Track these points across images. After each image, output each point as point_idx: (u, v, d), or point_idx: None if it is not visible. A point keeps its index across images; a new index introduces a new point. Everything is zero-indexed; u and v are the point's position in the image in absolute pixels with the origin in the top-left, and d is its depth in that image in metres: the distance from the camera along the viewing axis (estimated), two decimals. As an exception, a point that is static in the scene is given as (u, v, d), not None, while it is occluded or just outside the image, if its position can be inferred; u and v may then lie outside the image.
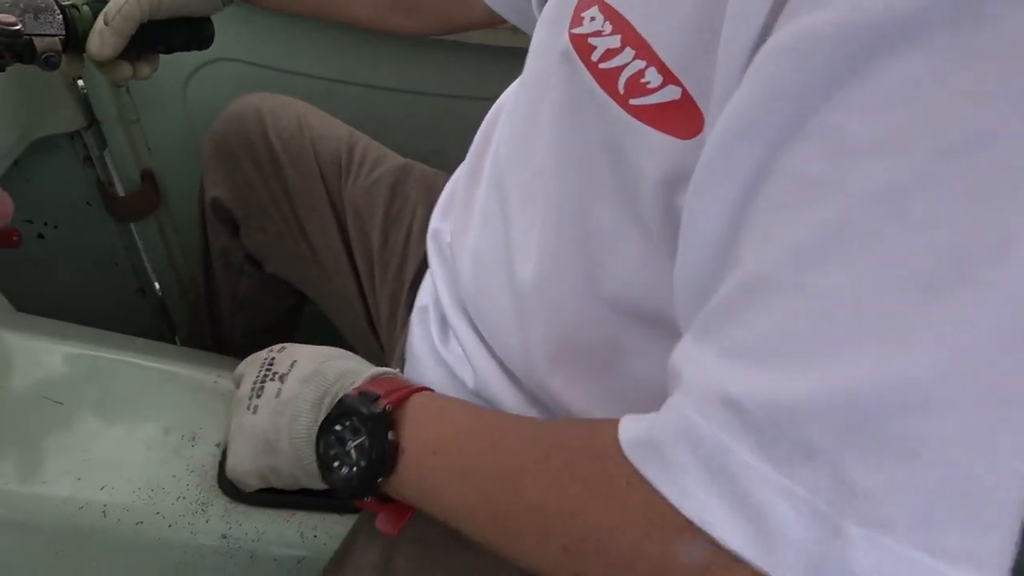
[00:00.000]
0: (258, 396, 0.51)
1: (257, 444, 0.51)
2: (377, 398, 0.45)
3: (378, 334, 0.79)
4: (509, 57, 1.03)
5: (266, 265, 0.92)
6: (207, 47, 0.78)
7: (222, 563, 0.67)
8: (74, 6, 0.66)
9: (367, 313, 0.80)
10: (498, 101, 0.62)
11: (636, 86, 0.38)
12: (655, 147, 0.37)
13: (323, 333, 1.19)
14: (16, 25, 0.61)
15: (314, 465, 0.48)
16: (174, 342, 1.33)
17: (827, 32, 0.28)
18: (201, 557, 0.66)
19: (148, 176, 1.11)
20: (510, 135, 0.53)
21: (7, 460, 0.65)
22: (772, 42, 0.30)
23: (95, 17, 0.67)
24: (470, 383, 0.56)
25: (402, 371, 0.65)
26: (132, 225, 1.17)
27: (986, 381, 0.26)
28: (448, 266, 0.59)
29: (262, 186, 0.85)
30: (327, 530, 0.70)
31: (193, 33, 0.75)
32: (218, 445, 0.72)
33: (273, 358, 0.53)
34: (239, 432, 0.52)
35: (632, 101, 0.38)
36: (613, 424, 0.36)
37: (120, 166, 1.08)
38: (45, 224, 1.12)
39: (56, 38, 0.65)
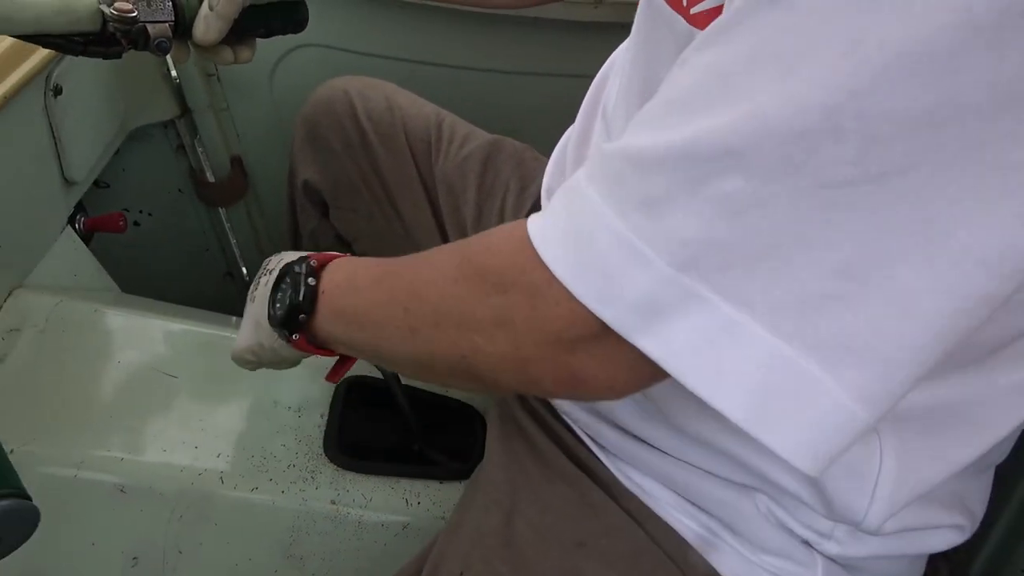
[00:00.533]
0: (255, 288, 0.58)
1: (251, 324, 0.57)
2: (307, 258, 0.53)
3: None
4: (584, 31, 1.03)
5: (356, 245, 0.94)
6: (302, 30, 0.79)
7: (331, 527, 0.69)
8: (182, -7, 0.69)
9: None
10: (607, 62, 0.62)
11: None
12: None
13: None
14: (132, 12, 0.64)
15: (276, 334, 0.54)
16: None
17: None
18: (312, 522, 0.69)
19: (237, 163, 1.14)
20: (618, 89, 0.54)
21: (132, 431, 0.69)
22: None
23: (200, 4, 0.70)
24: None
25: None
26: (222, 210, 1.21)
27: (807, 162, 0.29)
28: None
29: (353, 167, 0.87)
30: (430, 497, 0.72)
31: (289, 16, 0.77)
32: (322, 415, 0.75)
33: (269, 260, 0.59)
34: (244, 320, 0.59)
35: (692, 10, 0.41)
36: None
37: (211, 153, 1.12)
38: (140, 211, 1.16)
39: (167, 24, 0.67)
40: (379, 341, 0.48)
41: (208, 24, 0.68)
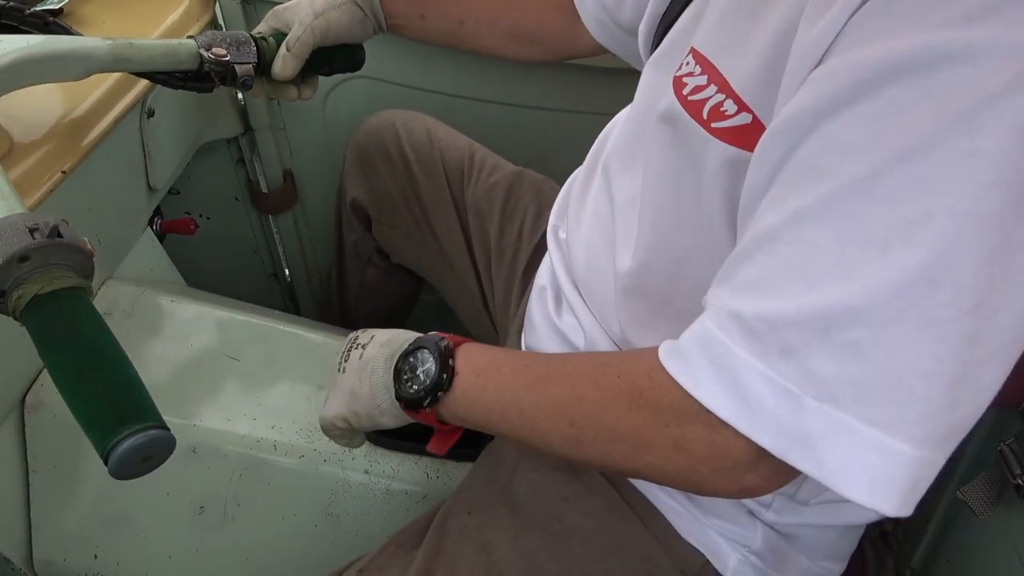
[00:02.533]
0: (345, 361, 0.65)
1: (344, 393, 0.63)
2: (443, 339, 0.59)
3: (491, 313, 0.93)
4: (604, 76, 1.16)
5: (393, 256, 1.07)
6: (359, 69, 0.93)
7: (364, 492, 0.82)
8: (263, 38, 0.83)
9: (482, 296, 0.94)
10: (611, 122, 0.74)
11: (716, 113, 0.51)
12: (728, 158, 0.50)
13: (437, 321, 1.35)
14: (226, 56, 0.78)
15: (387, 404, 0.59)
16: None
17: (842, 65, 0.40)
18: (348, 487, 0.81)
19: (288, 176, 1.28)
20: (619, 150, 0.66)
21: (202, 403, 0.82)
22: (815, 71, 0.43)
23: (278, 47, 0.83)
24: (581, 346, 0.69)
25: (520, 341, 0.79)
26: (271, 218, 1.35)
27: (912, 309, 0.39)
28: (564, 255, 0.72)
29: (395, 188, 1.00)
30: (447, 472, 0.84)
31: (350, 58, 0.90)
32: (360, 400, 0.87)
33: (357, 336, 0.67)
34: (332, 390, 0.66)
35: (713, 125, 0.51)
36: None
37: (266, 167, 1.26)
38: (200, 216, 1.31)
39: (251, 65, 0.81)
40: (530, 438, 0.54)
41: (285, 62, 0.82)
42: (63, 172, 0.72)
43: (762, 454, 0.44)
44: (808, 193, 0.41)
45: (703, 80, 0.52)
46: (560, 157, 1.26)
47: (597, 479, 0.66)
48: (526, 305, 0.80)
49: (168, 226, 1.08)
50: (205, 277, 1.19)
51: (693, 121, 0.52)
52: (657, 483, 0.52)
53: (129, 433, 0.43)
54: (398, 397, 0.58)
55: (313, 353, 0.92)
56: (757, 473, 0.46)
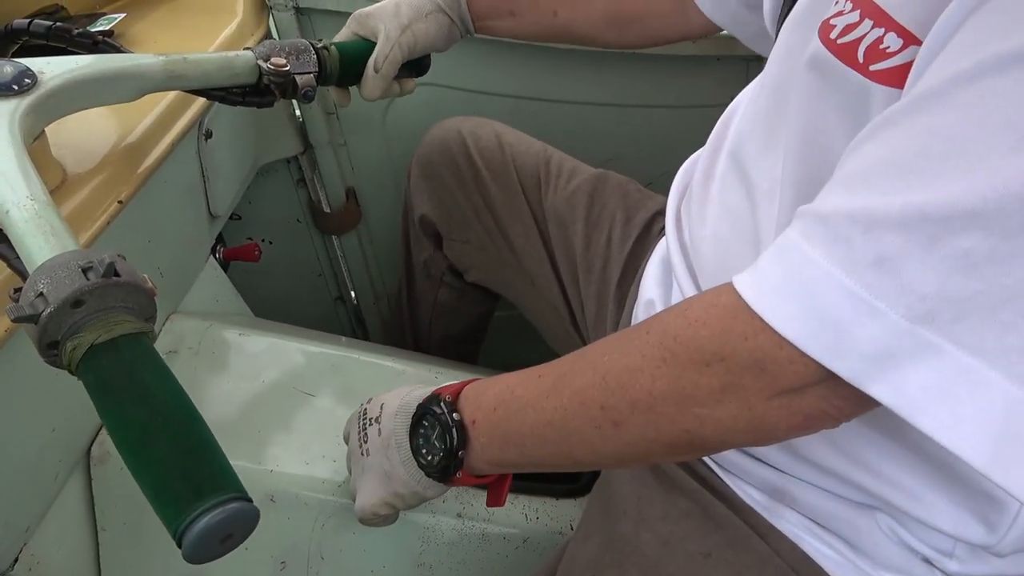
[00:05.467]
0: (365, 442, 0.59)
1: (377, 476, 0.58)
2: (438, 396, 0.54)
3: (581, 331, 0.84)
4: (678, 65, 1.07)
5: (468, 274, 0.99)
6: (425, 73, 0.86)
7: (457, 539, 0.74)
8: (324, 47, 0.76)
9: (571, 314, 0.85)
10: (730, 107, 0.65)
11: (875, 52, 0.42)
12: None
13: (515, 339, 1.27)
14: (286, 66, 0.71)
15: (425, 480, 0.56)
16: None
17: None
18: (440, 533, 0.73)
19: (351, 194, 1.22)
20: (752, 131, 0.57)
21: (278, 445, 0.75)
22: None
23: (340, 55, 0.76)
24: None
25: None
26: (335, 239, 1.28)
27: None
28: (687, 259, 0.63)
29: (466, 201, 0.93)
30: (547, 512, 0.76)
31: (416, 63, 0.84)
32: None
33: (365, 409, 0.62)
34: (361, 475, 0.60)
35: (872, 67, 0.42)
36: None
37: (328, 185, 1.20)
38: (262, 240, 1.25)
39: (311, 75, 0.75)
40: (571, 448, 0.48)
41: (374, 84, 0.79)
42: (119, 202, 0.66)
43: (825, 375, 0.39)
44: (942, 71, 0.34)
45: (854, 17, 0.43)
46: (639, 156, 1.17)
47: (739, 527, 0.56)
48: (628, 322, 0.71)
49: (231, 254, 1.03)
50: (269, 305, 1.13)
51: (846, 67, 0.44)
52: (710, 446, 0.45)
53: (205, 508, 0.36)
54: (427, 474, 0.55)
55: (391, 383, 0.84)
56: (819, 396, 0.40)
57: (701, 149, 0.69)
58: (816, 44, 0.46)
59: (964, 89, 0.34)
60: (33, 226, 0.46)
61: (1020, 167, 0.32)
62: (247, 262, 1.04)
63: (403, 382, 0.85)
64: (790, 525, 0.56)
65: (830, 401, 0.40)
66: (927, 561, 0.52)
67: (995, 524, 0.48)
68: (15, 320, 0.41)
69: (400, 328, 1.13)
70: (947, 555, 0.51)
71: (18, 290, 0.43)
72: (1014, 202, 0.32)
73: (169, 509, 0.36)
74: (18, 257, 0.48)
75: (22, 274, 0.48)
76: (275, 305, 1.16)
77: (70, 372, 0.43)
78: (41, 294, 0.41)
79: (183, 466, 0.38)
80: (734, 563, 0.55)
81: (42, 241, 0.46)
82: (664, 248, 0.69)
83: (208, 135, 0.86)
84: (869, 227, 0.36)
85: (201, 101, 0.82)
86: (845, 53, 0.44)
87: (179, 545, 0.37)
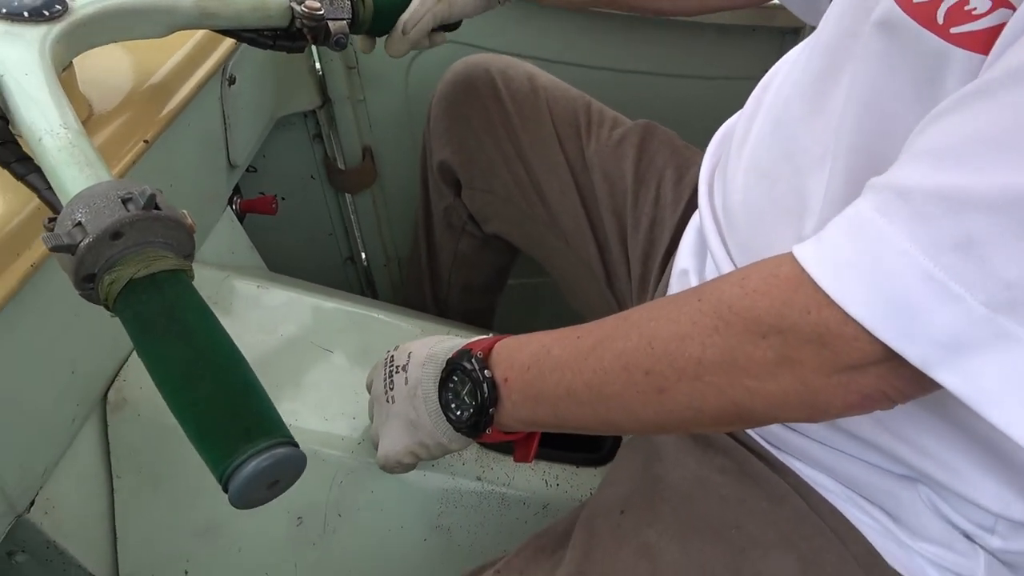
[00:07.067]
0: (391, 389, 0.58)
1: (402, 426, 0.57)
2: (469, 352, 0.53)
3: (617, 295, 0.82)
4: (712, 34, 1.05)
5: (487, 225, 0.95)
6: (456, 30, 0.84)
7: (477, 502, 0.72)
8: (360, -6, 0.74)
9: (607, 275, 0.83)
10: (768, 74, 0.63)
11: (958, 14, 0.39)
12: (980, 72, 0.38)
13: (533, 306, 1.25)
14: (320, 10, 0.69)
15: (451, 432, 0.55)
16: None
17: None
18: (459, 495, 0.72)
19: (367, 153, 1.19)
20: (799, 96, 0.53)
21: (296, 400, 0.74)
22: None
23: (375, 5, 0.74)
24: None
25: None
26: (348, 197, 1.26)
27: None
28: (719, 228, 0.61)
29: (492, 147, 0.87)
30: (567, 480, 0.75)
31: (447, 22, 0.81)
32: (466, 396, 0.78)
33: (392, 356, 0.60)
34: (384, 422, 0.59)
35: (954, 30, 0.39)
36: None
37: (344, 142, 1.18)
38: (275, 196, 1.23)
39: (344, 22, 0.72)
40: (608, 411, 0.47)
41: (399, 46, 0.76)
42: (145, 142, 0.64)
43: (888, 354, 0.37)
44: None
45: None
46: (669, 127, 1.15)
47: (778, 484, 0.54)
48: (664, 291, 0.69)
49: (248, 205, 1.00)
50: (280, 261, 1.11)
51: (922, 29, 0.41)
52: (758, 419, 0.44)
53: (255, 452, 0.35)
54: (456, 428, 0.54)
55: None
56: (878, 375, 0.38)
57: (736, 114, 0.67)
58: (888, 3, 0.43)
59: None
60: (67, 155, 0.44)
61: None
62: (262, 215, 1.02)
63: (422, 343, 0.83)
64: (829, 493, 0.54)
65: (890, 382, 0.39)
66: (968, 536, 0.51)
67: None
68: (52, 249, 0.39)
69: (417, 282, 1.09)
70: (989, 531, 0.50)
71: (52, 219, 0.41)
72: None
73: (216, 451, 0.35)
74: (48, 188, 0.46)
75: (52, 205, 0.46)
76: (286, 262, 1.14)
77: (106, 307, 0.41)
78: (79, 223, 0.39)
79: (231, 407, 0.36)
80: (770, 514, 0.53)
81: (76, 171, 0.44)
82: (698, 217, 0.67)
83: (232, 80, 0.83)
84: (957, 206, 0.34)
85: (226, 45, 0.79)
86: (922, 13, 0.41)
87: (225, 488, 0.35)
